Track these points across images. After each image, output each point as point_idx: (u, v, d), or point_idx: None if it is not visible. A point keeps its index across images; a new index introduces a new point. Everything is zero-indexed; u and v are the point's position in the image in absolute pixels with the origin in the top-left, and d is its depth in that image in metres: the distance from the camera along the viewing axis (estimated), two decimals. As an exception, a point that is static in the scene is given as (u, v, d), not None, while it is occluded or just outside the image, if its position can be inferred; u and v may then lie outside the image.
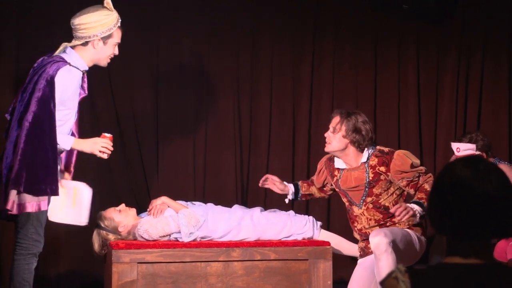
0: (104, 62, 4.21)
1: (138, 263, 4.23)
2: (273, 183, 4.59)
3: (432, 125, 5.86)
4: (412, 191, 4.30)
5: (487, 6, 5.79)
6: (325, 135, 4.38)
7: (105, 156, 4.14)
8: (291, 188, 4.64)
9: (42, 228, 4.07)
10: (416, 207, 4.14)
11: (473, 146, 4.81)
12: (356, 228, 4.46)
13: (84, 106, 4.70)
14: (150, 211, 4.58)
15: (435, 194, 2.03)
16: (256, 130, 5.71)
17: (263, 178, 4.62)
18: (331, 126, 4.36)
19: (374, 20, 5.75)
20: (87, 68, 4.16)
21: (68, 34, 5.40)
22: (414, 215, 4.13)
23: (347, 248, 4.59)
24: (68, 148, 4.10)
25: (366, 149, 4.33)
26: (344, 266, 4.86)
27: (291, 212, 4.73)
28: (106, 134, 4.17)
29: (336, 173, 4.46)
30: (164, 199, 4.62)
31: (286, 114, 5.74)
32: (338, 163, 4.43)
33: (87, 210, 4.24)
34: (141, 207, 4.76)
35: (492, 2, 5.79)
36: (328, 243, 4.45)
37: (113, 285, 4.19)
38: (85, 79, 4.22)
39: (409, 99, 5.83)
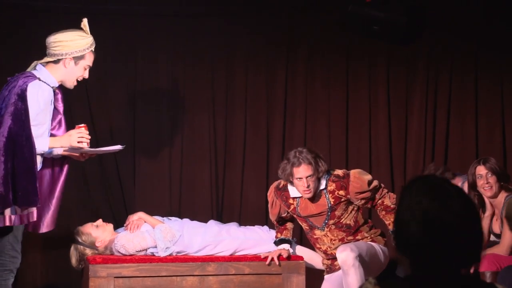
0: (70, 83, 4.20)
1: (115, 277, 4.30)
2: (285, 257, 4.50)
3: (402, 142, 5.94)
4: (369, 206, 4.45)
5: (454, 26, 5.94)
6: (304, 185, 4.28)
7: (84, 145, 4.11)
8: (287, 246, 4.55)
9: (18, 244, 4.09)
10: None
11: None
12: (321, 249, 4.52)
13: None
14: (127, 226, 4.65)
15: (397, 220, 1.99)
16: (231, 146, 5.79)
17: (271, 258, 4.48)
18: (304, 177, 4.28)
19: (346, 40, 5.86)
20: (57, 85, 4.17)
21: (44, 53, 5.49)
22: None
23: (320, 262, 4.64)
24: (47, 149, 4.08)
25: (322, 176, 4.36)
26: (317, 280, 4.95)
27: (266, 227, 4.83)
28: (80, 125, 4.15)
29: (291, 201, 4.46)
30: (140, 214, 4.70)
31: (260, 131, 5.81)
32: (293, 192, 4.43)
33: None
34: (118, 222, 4.81)
35: (459, 23, 5.94)
36: (301, 258, 4.55)
37: (90, 299, 4.27)
38: (60, 99, 4.23)
39: (380, 116, 5.93)
